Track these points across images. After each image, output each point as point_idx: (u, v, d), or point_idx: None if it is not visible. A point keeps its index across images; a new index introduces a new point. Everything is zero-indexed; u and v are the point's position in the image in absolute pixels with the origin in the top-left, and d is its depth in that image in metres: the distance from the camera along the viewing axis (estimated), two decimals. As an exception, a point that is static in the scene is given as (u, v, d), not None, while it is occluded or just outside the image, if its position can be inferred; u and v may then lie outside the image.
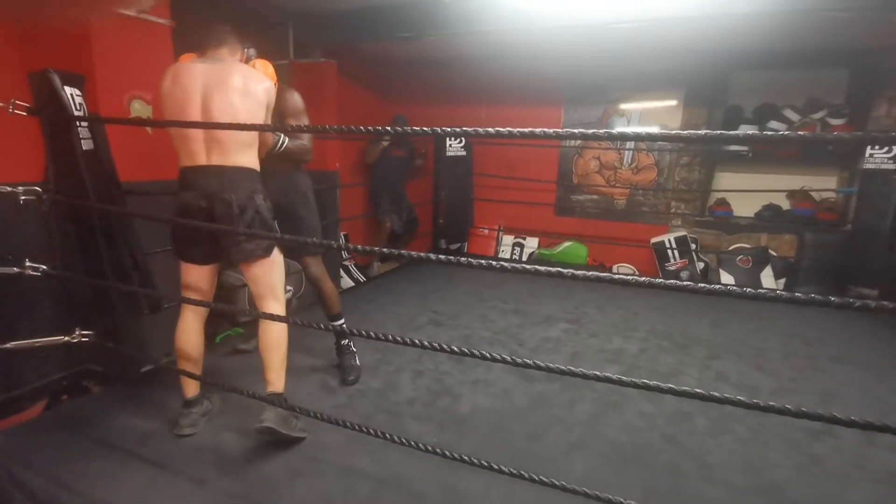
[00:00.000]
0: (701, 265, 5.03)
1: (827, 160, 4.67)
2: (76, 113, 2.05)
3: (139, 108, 2.65)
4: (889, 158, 3.93)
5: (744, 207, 4.98)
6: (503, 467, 1.19)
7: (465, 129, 1.09)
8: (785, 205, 4.88)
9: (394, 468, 1.90)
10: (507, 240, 5.87)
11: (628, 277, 1.00)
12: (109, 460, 1.91)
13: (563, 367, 1.07)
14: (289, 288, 3.81)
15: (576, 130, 1.07)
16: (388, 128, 1.27)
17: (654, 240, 5.16)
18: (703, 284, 0.98)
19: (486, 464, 1.20)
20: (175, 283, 2.79)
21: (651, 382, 1.01)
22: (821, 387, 2.71)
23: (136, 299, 2.26)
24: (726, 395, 0.97)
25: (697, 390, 0.99)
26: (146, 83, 2.66)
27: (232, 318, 3.43)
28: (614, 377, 1.03)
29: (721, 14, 3.17)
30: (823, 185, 4.72)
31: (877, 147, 4.09)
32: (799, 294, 0.88)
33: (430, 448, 1.29)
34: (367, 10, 3.83)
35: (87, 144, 2.11)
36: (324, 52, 4.30)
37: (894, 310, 0.95)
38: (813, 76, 4.61)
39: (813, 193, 4.74)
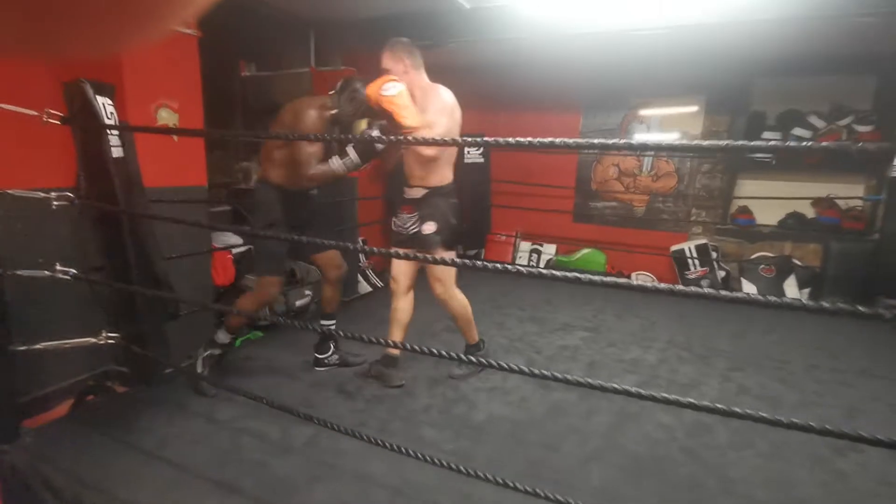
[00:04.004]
0: (722, 274, 4.94)
1: (853, 167, 4.55)
2: (107, 121, 2.11)
3: (166, 116, 2.72)
4: (919, 167, 3.83)
5: (767, 215, 4.89)
6: (517, 483, 1.18)
7: (485, 139, 1.10)
8: (809, 213, 4.77)
9: (409, 475, 1.90)
10: (525, 246, 5.85)
11: (647, 284, 0.99)
12: (132, 460, 1.96)
13: (580, 379, 1.07)
14: (307, 292, 3.87)
15: (595, 141, 1.07)
16: (410, 136, 1.28)
17: (673, 248, 5.09)
18: (724, 292, 0.97)
19: (500, 480, 1.20)
20: (198, 290, 2.85)
21: (670, 396, 1.01)
22: (846, 401, 2.64)
23: (161, 304, 2.31)
24: (747, 411, 0.96)
25: (718, 405, 0.98)
26: (173, 91, 2.73)
27: (254, 322, 3.49)
28: (633, 390, 1.03)
29: (744, 21, 3.13)
30: (850, 192, 4.61)
31: (906, 155, 3.98)
32: (825, 303, 0.86)
33: (443, 462, 1.29)
34: (388, 17, 3.87)
35: (117, 152, 2.17)
36: (344, 60, 4.35)
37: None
38: (839, 82, 4.51)
39: (839, 201, 4.63)
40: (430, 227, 2.49)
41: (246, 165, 4.61)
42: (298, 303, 3.76)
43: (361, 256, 4.78)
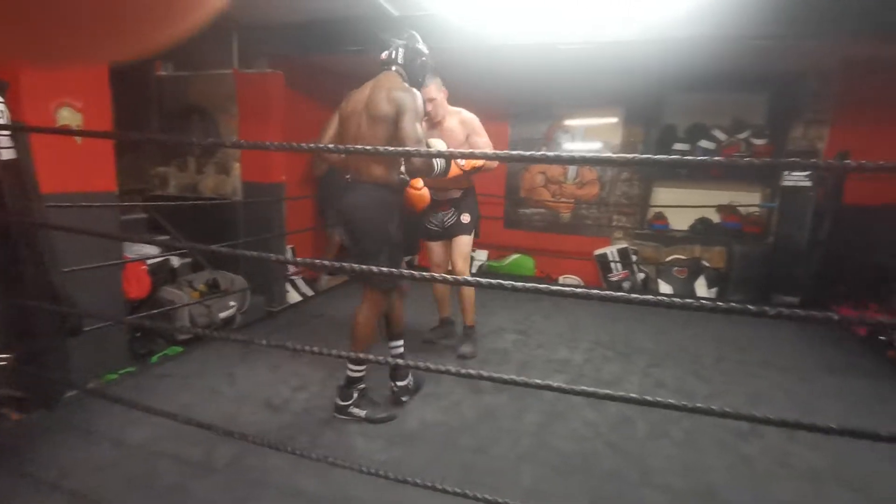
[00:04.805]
0: (641, 276, 5.25)
1: (751, 177, 5.02)
2: (-5, 120, 1.91)
3: (67, 116, 2.50)
4: (805, 177, 4.27)
5: (679, 221, 5.26)
6: (447, 487, 1.18)
7: (406, 149, 1.11)
8: (716, 218, 5.19)
9: (341, 488, 1.86)
10: (458, 252, 5.91)
11: (565, 289, 1.04)
12: (29, 494, 1.77)
13: (504, 377, 1.09)
14: (232, 303, 3.69)
15: (514, 153, 1.10)
16: (332, 145, 1.26)
17: (597, 252, 5.35)
18: (634, 295, 1.03)
19: (430, 484, 1.19)
20: (108, 304, 2.64)
21: (589, 389, 1.05)
22: (750, 390, 2.88)
23: (61, 320, 2.11)
24: (658, 399, 1.02)
25: (632, 395, 1.03)
26: (76, 89, 2.52)
27: (172, 336, 3.27)
28: (554, 385, 1.06)
29: (656, 39, 3.37)
30: (749, 200, 5.07)
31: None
32: (720, 303, 0.94)
33: (371, 471, 1.27)
34: (316, 22, 3.80)
35: (7, 154, 1.96)
36: (271, 63, 4.22)
37: (806, 317, 1.03)
38: (738, 99, 4.96)
39: (740, 208, 5.07)
40: (466, 218, 3.10)
41: (163, 171, 4.34)
42: (223, 315, 3.58)
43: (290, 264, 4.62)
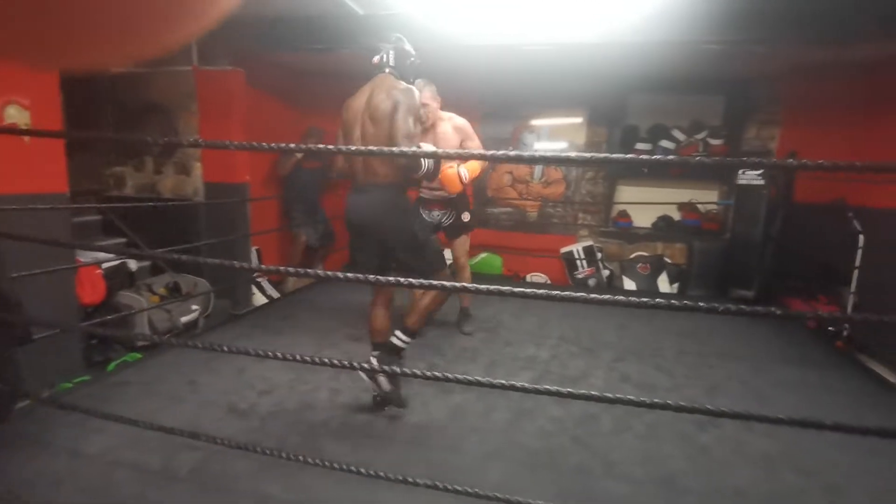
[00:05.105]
0: (606, 273, 5.37)
1: (709, 176, 5.21)
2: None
3: (15, 114, 2.39)
4: (758, 175, 4.45)
5: (642, 218, 5.41)
6: (418, 479, 1.19)
7: (370, 147, 1.11)
8: (676, 216, 5.35)
9: (310, 491, 1.84)
10: (426, 252, 5.91)
11: (528, 291, 1.06)
12: (-25, 512, 1.69)
13: (471, 378, 1.11)
14: (194, 307, 3.60)
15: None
16: (293, 144, 1.25)
17: (563, 250, 5.45)
18: (593, 295, 1.05)
19: (400, 478, 1.20)
20: (61, 310, 2.55)
21: (552, 388, 1.07)
22: (708, 381, 2.99)
23: (10, 329, 2.02)
24: (618, 396, 1.06)
25: (593, 393, 1.06)
26: (24, 87, 2.41)
27: (130, 343, 3.17)
28: (518, 385, 1.08)
29: (618, 42, 3.46)
30: (707, 198, 5.25)
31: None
32: (674, 301, 0.98)
33: (342, 466, 1.27)
34: (280, 19, 3.74)
35: (-54, 154, 1.87)
36: (232, 60, 4.12)
37: (752, 312, 1.08)
38: (696, 101, 5.13)
39: (699, 206, 5.25)
40: (466, 217, 3.46)
41: (119, 171, 4.19)
42: (184, 319, 3.49)
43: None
